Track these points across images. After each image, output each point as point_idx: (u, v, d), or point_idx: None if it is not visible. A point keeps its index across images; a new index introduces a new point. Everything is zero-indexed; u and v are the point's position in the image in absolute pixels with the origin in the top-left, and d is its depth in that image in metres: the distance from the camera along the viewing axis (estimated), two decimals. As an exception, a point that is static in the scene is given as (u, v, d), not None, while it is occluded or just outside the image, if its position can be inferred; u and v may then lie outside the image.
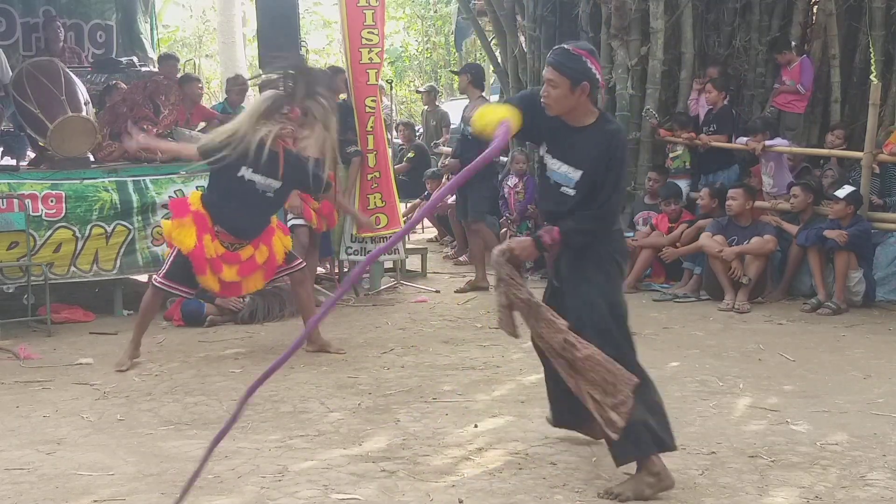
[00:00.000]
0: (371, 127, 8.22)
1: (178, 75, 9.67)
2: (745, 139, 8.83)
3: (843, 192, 7.75)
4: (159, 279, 6.10)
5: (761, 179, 8.75)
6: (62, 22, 10.30)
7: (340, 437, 4.58)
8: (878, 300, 7.73)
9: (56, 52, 9.82)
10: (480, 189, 8.49)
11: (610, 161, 3.88)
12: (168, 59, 10.31)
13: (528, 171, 9.68)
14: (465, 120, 8.39)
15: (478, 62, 14.29)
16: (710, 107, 9.27)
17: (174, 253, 6.09)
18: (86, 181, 7.54)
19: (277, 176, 5.96)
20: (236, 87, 9.83)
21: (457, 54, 16.68)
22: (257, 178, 5.91)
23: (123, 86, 9.18)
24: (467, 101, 9.29)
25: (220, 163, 5.80)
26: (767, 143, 8.57)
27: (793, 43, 9.31)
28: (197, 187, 7.88)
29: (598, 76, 3.90)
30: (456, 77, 10.99)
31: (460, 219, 9.49)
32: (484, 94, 9.38)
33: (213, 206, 6.03)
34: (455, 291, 8.56)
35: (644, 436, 3.79)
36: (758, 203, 8.33)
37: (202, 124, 9.08)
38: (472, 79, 8.78)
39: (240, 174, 5.87)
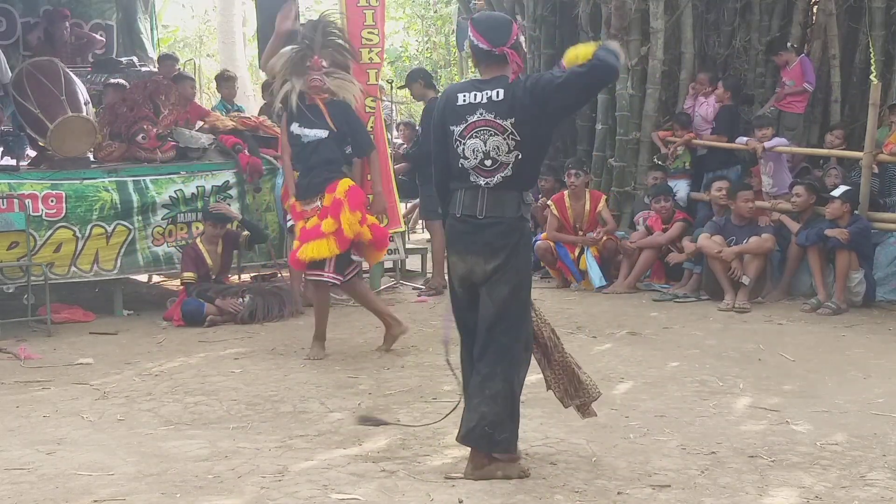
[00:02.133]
0: (371, 127, 8.21)
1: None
2: (744, 139, 8.82)
3: (838, 192, 7.76)
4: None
5: (761, 179, 8.75)
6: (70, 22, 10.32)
7: (340, 437, 4.58)
8: (878, 300, 7.73)
9: (60, 47, 9.82)
10: (430, 188, 8.49)
11: None
12: (168, 59, 10.33)
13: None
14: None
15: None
16: (719, 103, 9.27)
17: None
18: (86, 181, 7.55)
19: (324, 125, 6.15)
20: (223, 81, 10.04)
21: (458, 54, 16.63)
22: (304, 131, 6.16)
23: (123, 82, 9.19)
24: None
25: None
26: (767, 143, 8.57)
27: (788, 43, 9.30)
28: (197, 187, 7.91)
29: None
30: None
31: (421, 217, 9.55)
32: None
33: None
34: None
35: None
36: (758, 203, 8.33)
37: (199, 123, 9.08)
38: (425, 83, 8.80)
39: (290, 130, 6.22)
